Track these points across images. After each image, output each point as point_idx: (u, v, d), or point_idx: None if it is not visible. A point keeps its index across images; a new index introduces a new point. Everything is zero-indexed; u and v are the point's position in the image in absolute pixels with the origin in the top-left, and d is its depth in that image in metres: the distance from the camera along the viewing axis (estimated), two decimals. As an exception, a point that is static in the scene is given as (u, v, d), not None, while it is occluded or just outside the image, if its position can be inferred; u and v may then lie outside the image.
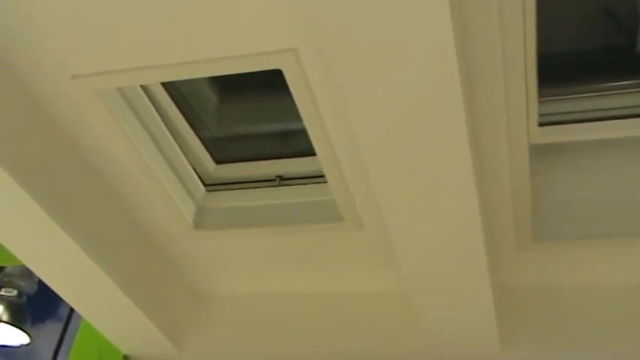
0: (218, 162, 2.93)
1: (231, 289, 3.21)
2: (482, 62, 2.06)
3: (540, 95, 2.19)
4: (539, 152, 2.44)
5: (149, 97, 2.61)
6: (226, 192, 2.91)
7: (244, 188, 2.89)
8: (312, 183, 2.77)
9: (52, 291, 2.84)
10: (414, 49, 1.73)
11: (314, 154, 2.44)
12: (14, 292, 3.82)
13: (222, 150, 2.91)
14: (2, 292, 3.76)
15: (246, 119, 2.97)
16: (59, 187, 2.49)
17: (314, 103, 2.23)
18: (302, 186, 2.80)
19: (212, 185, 2.92)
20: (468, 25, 1.95)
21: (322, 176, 2.56)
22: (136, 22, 2.08)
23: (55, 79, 2.29)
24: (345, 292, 3.02)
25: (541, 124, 2.29)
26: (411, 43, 1.72)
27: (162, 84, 2.62)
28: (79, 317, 3.37)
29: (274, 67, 2.14)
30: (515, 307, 2.80)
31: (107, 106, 2.37)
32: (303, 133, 2.37)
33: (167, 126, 2.70)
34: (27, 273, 3.75)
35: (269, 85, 2.45)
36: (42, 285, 2.98)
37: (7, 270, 3.85)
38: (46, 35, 2.16)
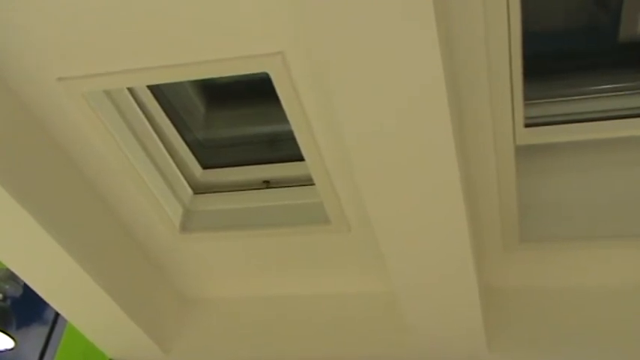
0: (205, 167, 2.92)
1: (219, 293, 3.20)
2: (468, 64, 2.07)
3: (526, 96, 2.20)
4: (525, 153, 2.45)
5: (137, 101, 2.60)
6: (213, 195, 2.90)
7: (231, 191, 2.88)
8: (299, 185, 2.77)
9: (37, 295, 2.82)
10: (400, 52, 1.73)
11: (300, 160, 2.44)
12: (-1, 296, 3.79)
13: (209, 155, 2.91)
14: (-14, 296, 3.73)
15: (232, 124, 2.96)
16: (45, 191, 2.47)
17: (301, 106, 2.23)
18: (289, 188, 2.80)
19: (199, 189, 2.92)
20: (452, 27, 1.96)
21: (309, 180, 2.56)
22: (122, 24, 2.08)
23: (41, 81, 2.28)
24: (332, 294, 3.02)
25: (527, 125, 2.30)
26: (397, 45, 1.72)
27: (150, 89, 2.61)
28: (65, 321, 3.36)
29: (261, 71, 2.13)
30: (503, 309, 2.80)
31: (94, 109, 2.36)
32: (289, 138, 2.37)
33: (154, 130, 2.69)
34: (12, 276, 3.72)
35: (256, 90, 2.44)
36: (27, 289, 2.96)
37: (-8, 273, 3.82)
38: (32, 37, 2.14)
